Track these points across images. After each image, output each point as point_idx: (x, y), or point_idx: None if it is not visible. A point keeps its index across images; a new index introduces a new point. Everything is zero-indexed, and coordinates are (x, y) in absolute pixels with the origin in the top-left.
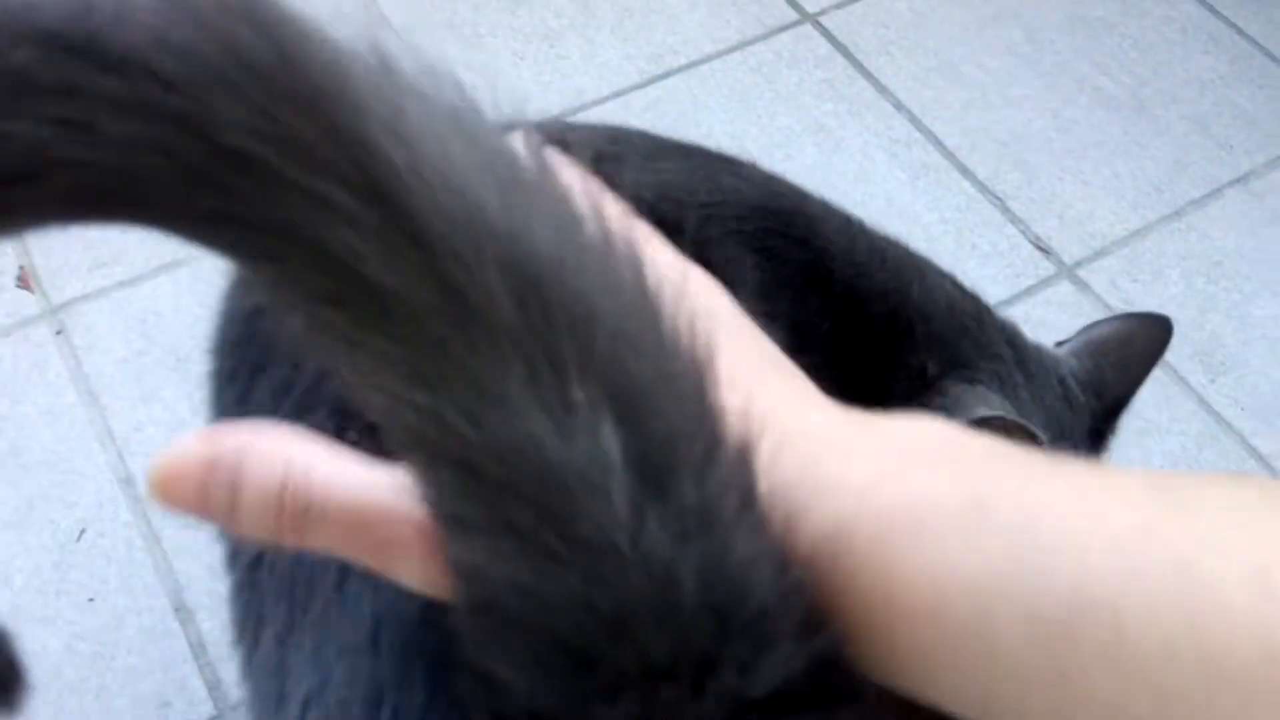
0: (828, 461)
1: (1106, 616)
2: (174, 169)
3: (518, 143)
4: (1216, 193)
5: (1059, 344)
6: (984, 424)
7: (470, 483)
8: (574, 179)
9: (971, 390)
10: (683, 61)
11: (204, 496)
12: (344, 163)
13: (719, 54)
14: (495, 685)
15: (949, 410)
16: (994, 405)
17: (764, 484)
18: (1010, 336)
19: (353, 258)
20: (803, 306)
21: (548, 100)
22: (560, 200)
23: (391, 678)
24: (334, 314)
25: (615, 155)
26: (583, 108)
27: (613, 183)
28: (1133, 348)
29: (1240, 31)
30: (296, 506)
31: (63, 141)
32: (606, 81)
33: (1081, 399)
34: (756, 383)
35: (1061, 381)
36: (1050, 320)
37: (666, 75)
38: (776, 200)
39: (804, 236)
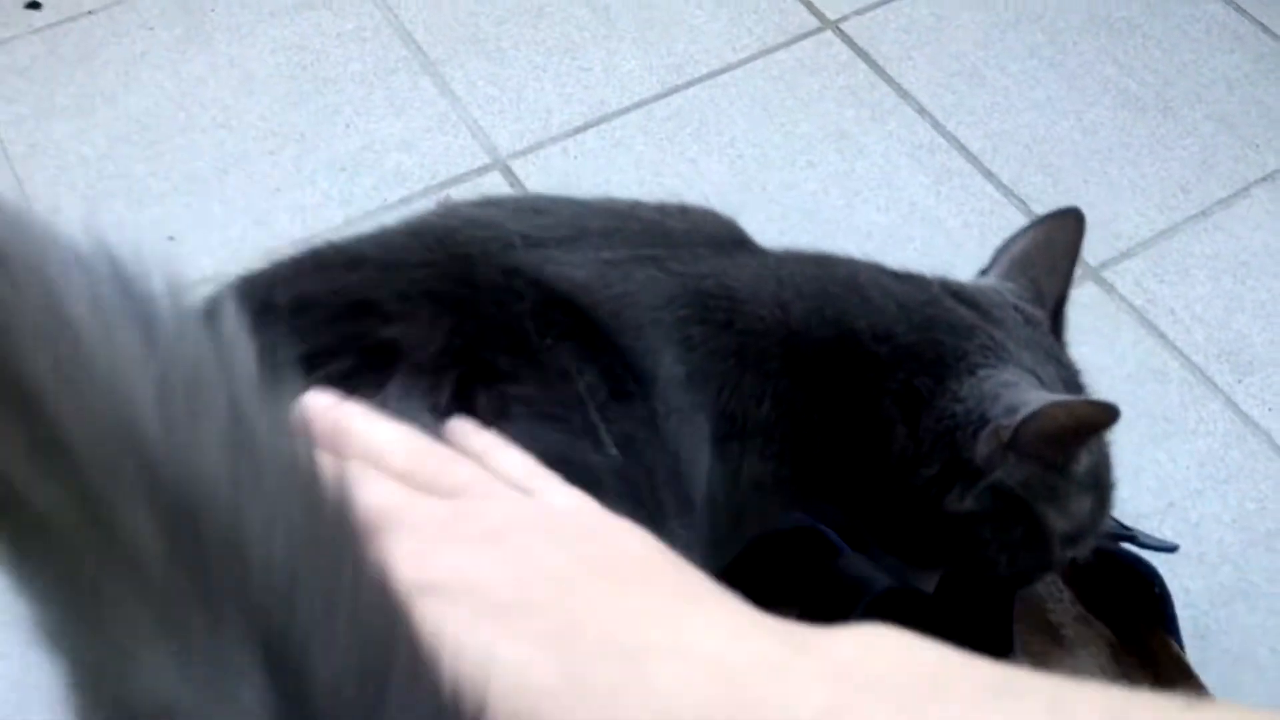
0: (766, 692)
1: None
2: None
3: (197, 331)
4: (1244, 192)
5: (982, 272)
6: (1049, 410)
7: None
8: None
9: (993, 378)
10: (704, 71)
11: None
12: None
13: (740, 63)
14: None
15: (987, 404)
16: (1019, 383)
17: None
18: (959, 294)
19: (4, 472)
20: (734, 394)
21: (570, 113)
22: (236, 410)
23: None
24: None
25: (536, 241)
26: (605, 119)
27: (529, 275)
28: (1054, 248)
29: (1266, 29)
30: None
31: None
32: (629, 92)
33: (1037, 315)
34: (679, 614)
35: (1016, 309)
36: (1075, 322)
37: (688, 85)
38: (697, 284)
39: (727, 320)
